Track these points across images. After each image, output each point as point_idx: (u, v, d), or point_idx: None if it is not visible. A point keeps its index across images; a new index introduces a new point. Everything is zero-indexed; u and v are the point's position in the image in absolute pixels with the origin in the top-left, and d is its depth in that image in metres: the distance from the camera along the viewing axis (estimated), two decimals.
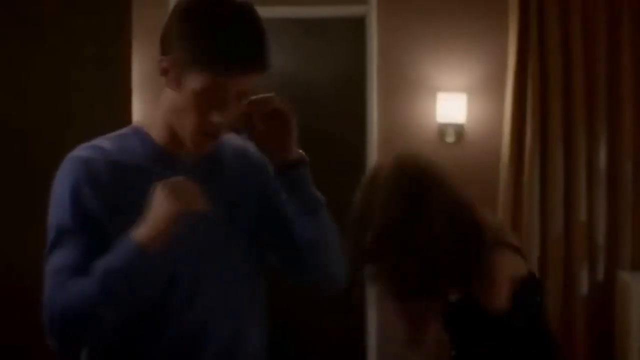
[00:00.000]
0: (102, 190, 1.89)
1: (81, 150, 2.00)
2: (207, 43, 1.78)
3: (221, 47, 1.77)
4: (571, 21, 5.09)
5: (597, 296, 5.14)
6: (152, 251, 1.78)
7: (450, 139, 5.27)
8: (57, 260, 1.88)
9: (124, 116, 4.28)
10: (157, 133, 1.97)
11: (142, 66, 5.27)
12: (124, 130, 2.05)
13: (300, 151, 1.97)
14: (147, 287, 1.83)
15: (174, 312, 1.91)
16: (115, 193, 1.89)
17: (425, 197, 2.34)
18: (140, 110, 5.31)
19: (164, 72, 1.88)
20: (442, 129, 5.28)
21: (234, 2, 1.82)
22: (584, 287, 5.12)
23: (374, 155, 5.39)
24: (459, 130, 5.29)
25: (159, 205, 1.76)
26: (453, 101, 5.23)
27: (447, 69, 5.31)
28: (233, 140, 2.06)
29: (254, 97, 1.89)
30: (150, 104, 5.44)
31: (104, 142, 2.01)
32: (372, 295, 4.96)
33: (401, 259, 2.35)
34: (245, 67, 1.79)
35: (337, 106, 5.61)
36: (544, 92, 5.13)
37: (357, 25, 5.55)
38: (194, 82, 1.81)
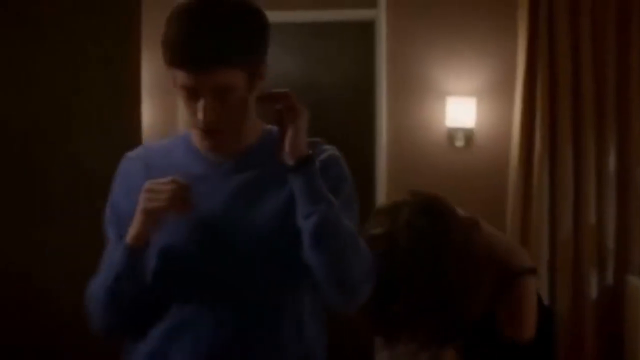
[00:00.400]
0: (132, 189, 1.96)
1: (134, 149, 2.12)
2: (162, 38, 1.85)
3: (164, 42, 1.83)
4: (580, 25, 5.08)
5: (606, 300, 5.13)
6: (135, 249, 1.86)
7: (459, 143, 5.27)
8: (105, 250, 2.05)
9: (133, 119, 4.29)
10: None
11: (151, 69, 5.29)
12: (183, 133, 2.10)
13: (310, 152, 1.91)
14: (138, 282, 1.90)
15: (174, 304, 1.93)
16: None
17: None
18: (150, 114, 5.31)
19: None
20: (452, 133, 5.28)
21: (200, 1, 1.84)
22: (593, 291, 5.11)
23: (382, 160, 5.39)
24: (468, 134, 5.28)
25: (138, 205, 1.85)
26: (462, 105, 5.23)
27: (456, 73, 5.31)
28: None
29: (267, 91, 1.91)
30: (160, 107, 5.44)
31: (156, 142, 2.12)
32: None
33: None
34: (177, 63, 1.81)
35: (346, 110, 5.61)
36: (554, 96, 5.13)
37: (366, 30, 5.55)
38: (172, 78, 1.87)
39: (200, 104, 1.84)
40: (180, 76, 1.82)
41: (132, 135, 4.27)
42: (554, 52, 5.12)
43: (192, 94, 1.85)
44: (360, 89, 5.57)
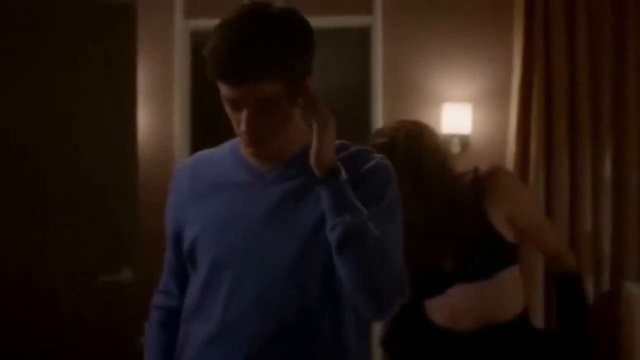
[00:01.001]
0: (180, 198, 2.10)
1: (187, 159, 2.24)
2: (206, 51, 1.87)
3: (208, 54, 1.85)
4: (576, 32, 5.09)
5: (602, 307, 5.13)
6: None
7: (455, 149, 5.27)
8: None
9: (129, 122, 4.30)
10: None
11: (148, 73, 5.29)
12: (232, 140, 2.13)
13: (336, 163, 1.93)
14: None
15: (213, 310, 1.98)
16: (189, 201, 2.06)
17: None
18: (146, 117, 5.32)
19: None
20: (447, 140, 5.28)
21: (245, 8, 1.86)
22: (589, 296, 5.11)
23: None
24: (464, 140, 5.28)
25: None
26: (458, 112, 5.23)
27: (452, 80, 5.32)
28: (343, 149, 2.06)
29: (303, 99, 1.96)
30: (157, 111, 5.44)
31: (208, 150, 2.18)
32: None
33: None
34: (219, 75, 1.85)
35: (343, 116, 5.56)
36: (549, 103, 5.13)
37: (363, 36, 5.55)
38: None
39: (243, 115, 1.87)
40: (224, 88, 1.86)
41: (128, 138, 4.29)
42: (549, 59, 5.12)
43: (235, 105, 1.88)
44: (356, 95, 5.58)
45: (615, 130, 5.12)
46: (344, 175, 1.91)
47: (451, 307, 2.74)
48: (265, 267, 1.93)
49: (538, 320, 5.10)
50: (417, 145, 2.73)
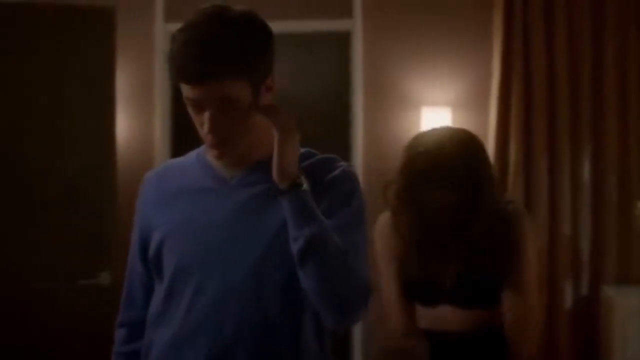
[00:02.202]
0: (145, 206, 2.11)
1: (155, 168, 2.24)
2: (168, 54, 1.89)
3: (169, 57, 1.87)
4: (555, 36, 5.12)
5: (581, 311, 5.15)
6: None
7: None
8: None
9: (108, 128, 4.30)
10: None
11: (128, 78, 5.28)
12: (199, 148, 2.14)
13: (298, 174, 1.92)
14: None
15: (176, 314, 1.98)
16: (155, 208, 2.07)
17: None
18: (127, 123, 5.30)
19: None
20: None
21: (204, 11, 1.88)
22: (568, 301, 5.13)
23: (359, 169, 5.39)
24: None
25: None
26: (437, 115, 5.24)
27: (431, 84, 5.33)
28: (307, 160, 2.03)
29: (264, 105, 1.95)
30: (137, 116, 5.43)
31: (177, 159, 2.19)
32: None
33: None
34: (180, 77, 1.86)
35: (322, 120, 5.62)
36: (528, 107, 5.16)
37: (342, 40, 5.56)
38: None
39: (206, 116, 1.88)
40: (186, 90, 1.88)
41: (107, 142, 4.30)
42: (528, 63, 5.15)
43: (197, 107, 1.89)
44: (336, 99, 5.59)
45: (594, 134, 5.15)
46: (306, 186, 1.91)
47: (438, 321, 2.72)
48: (227, 272, 1.94)
49: None
50: (476, 155, 2.67)
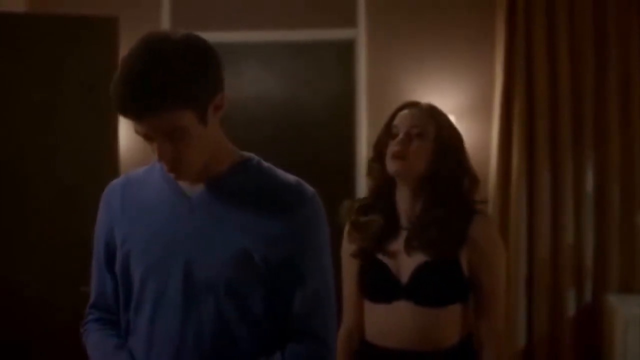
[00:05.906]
0: (111, 217, 2.11)
1: (117, 179, 2.20)
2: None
3: (111, 93, 1.83)
4: (558, 45, 5.13)
5: (584, 319, 5.16)
6: None
7: None
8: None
9: (111, 135, 4.31)
10: None
11: None
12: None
13: None
14: None
15: (142, 324, 2.02)
16: (120, 220, 2.08)
17: None
18: (129, 130, 5.32)
19: None
20: None
21: (141, 43, 1.85)
22: (571, 309, 5.14)
23: (363, 178, 5.40)
24: None
25: None
26: None
27: (435, 92, 5.34)
28: (269, 178, 2.04)
29: None
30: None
31: (137, 171, 2.18)
32: None
33: None
34: (120, 112, 1.84)
35: (327, 129, 5.62)
36: (531, 115, 5.17)
37: (347, 49, 5.58)
38: None
39: (154, 147, 1.89)
40: (131, 123, 1.85)
41: (109, 150, 4.30)
42: (531, 72, 5.16)
43: (146, 137, 1.88)
44: (340, 108, 5.60)
45: (597, 144, 5.16)
46: None
47: (389, 323, 2.68)
48: (187, 286, 1.96)
49: (520, 335, 5.13)
50: (458, 137, 2.93)
